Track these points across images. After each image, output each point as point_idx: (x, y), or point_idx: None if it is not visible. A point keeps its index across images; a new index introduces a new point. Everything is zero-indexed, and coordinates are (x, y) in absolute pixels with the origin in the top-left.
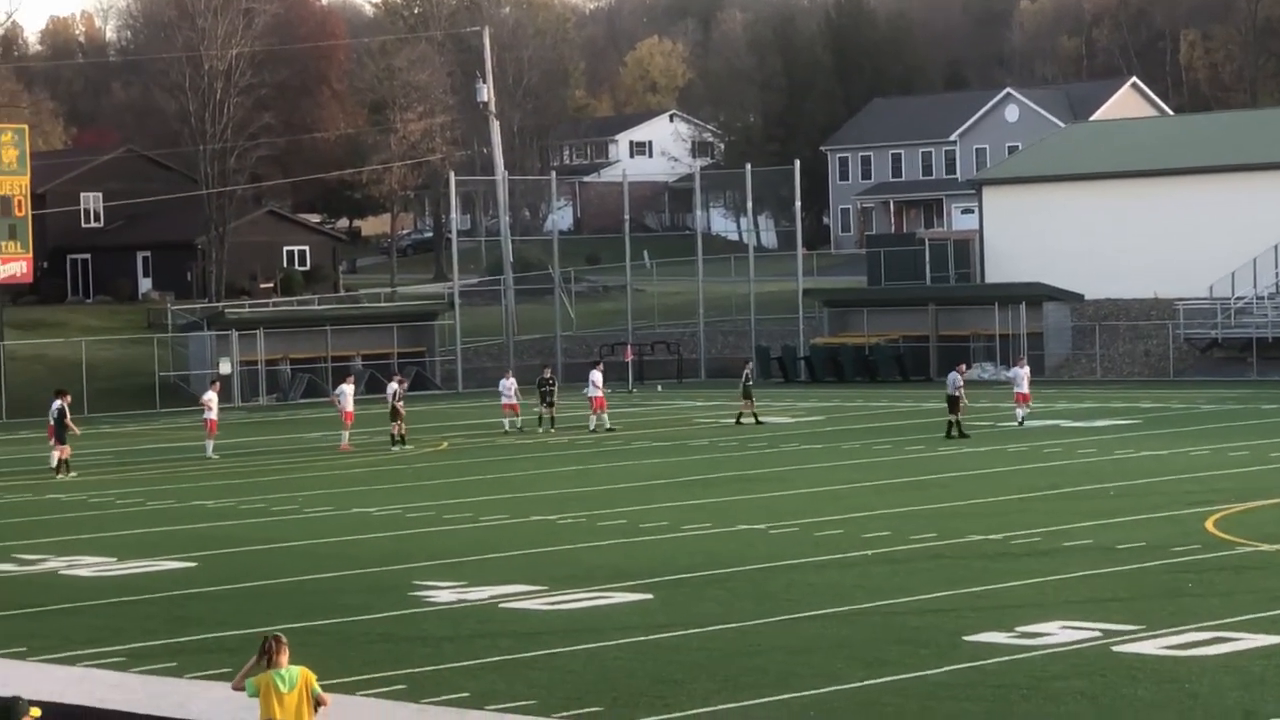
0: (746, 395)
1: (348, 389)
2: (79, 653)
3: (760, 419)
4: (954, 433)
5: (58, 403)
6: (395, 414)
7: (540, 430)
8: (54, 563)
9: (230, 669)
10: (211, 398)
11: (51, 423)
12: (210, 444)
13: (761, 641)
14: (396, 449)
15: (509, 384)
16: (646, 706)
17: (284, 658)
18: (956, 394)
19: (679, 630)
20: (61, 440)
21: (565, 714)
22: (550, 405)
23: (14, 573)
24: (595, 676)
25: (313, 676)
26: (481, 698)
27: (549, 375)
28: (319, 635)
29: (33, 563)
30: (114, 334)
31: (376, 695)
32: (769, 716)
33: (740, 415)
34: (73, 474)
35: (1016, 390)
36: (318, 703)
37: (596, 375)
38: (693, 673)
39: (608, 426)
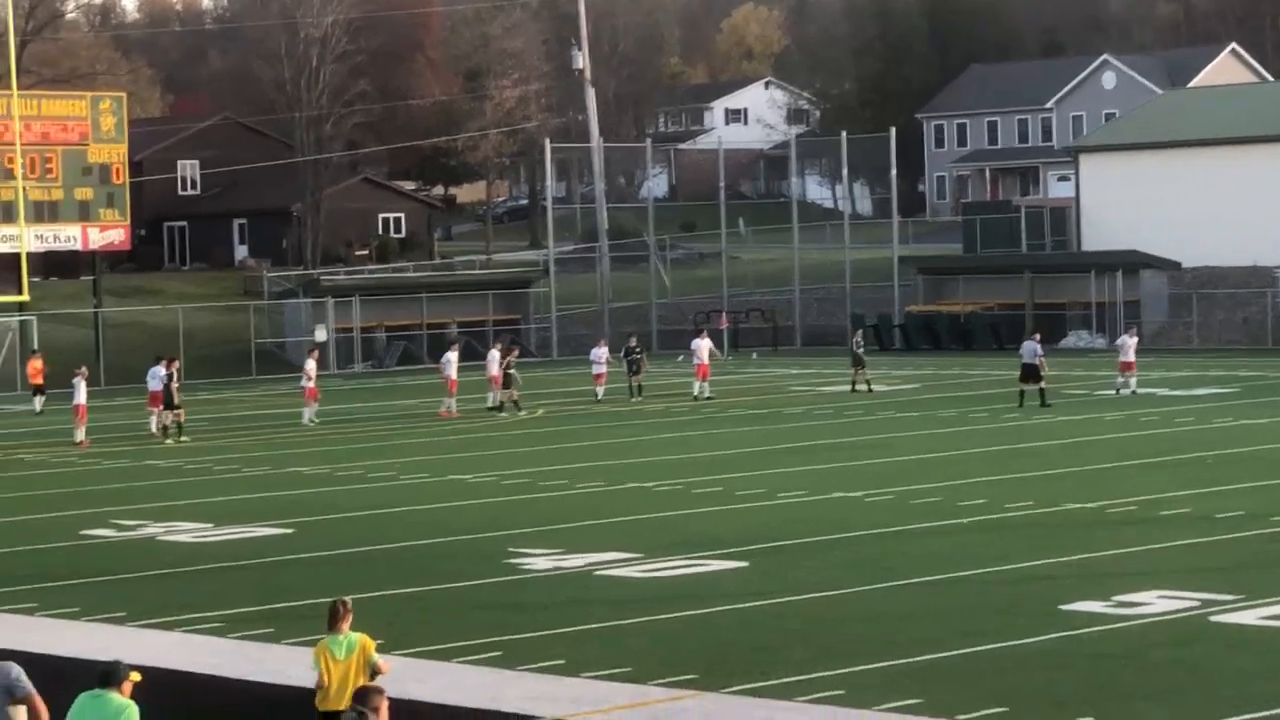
0: (858, 363)
1: (453, 356)
2: (176, 618)
3: (872, 387)
4: (1044, 400)
5: (161, 368)
6: (509, 381)
7: (633, 400)
8: (152, 528)
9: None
10: (311, 366)
11: (158, 389)
12: (309, 411)
13: (858, 609)
14: (505, 415)
15: (601, 353)
16: (742, 674)
17: (345, 624)
18: (1035, 362)
19: (775, 598)
20: (172, 405)
21: (661, 681)
22: (636, 374)
23: (112, 538)
24: (691, 644)
25: (371, 645)
26: (577, 665)
27: (635, 344)
28: (415, 602)
29: (131, 528)
30: (210, 301)
31: (472, 662)
32: (866, 684)
33: (854, 383)
34: (184, 438)
35: (1122, 359)
36: (374, 671)
37: (700, 343)
38: (789, 640)
39: (707, 395)
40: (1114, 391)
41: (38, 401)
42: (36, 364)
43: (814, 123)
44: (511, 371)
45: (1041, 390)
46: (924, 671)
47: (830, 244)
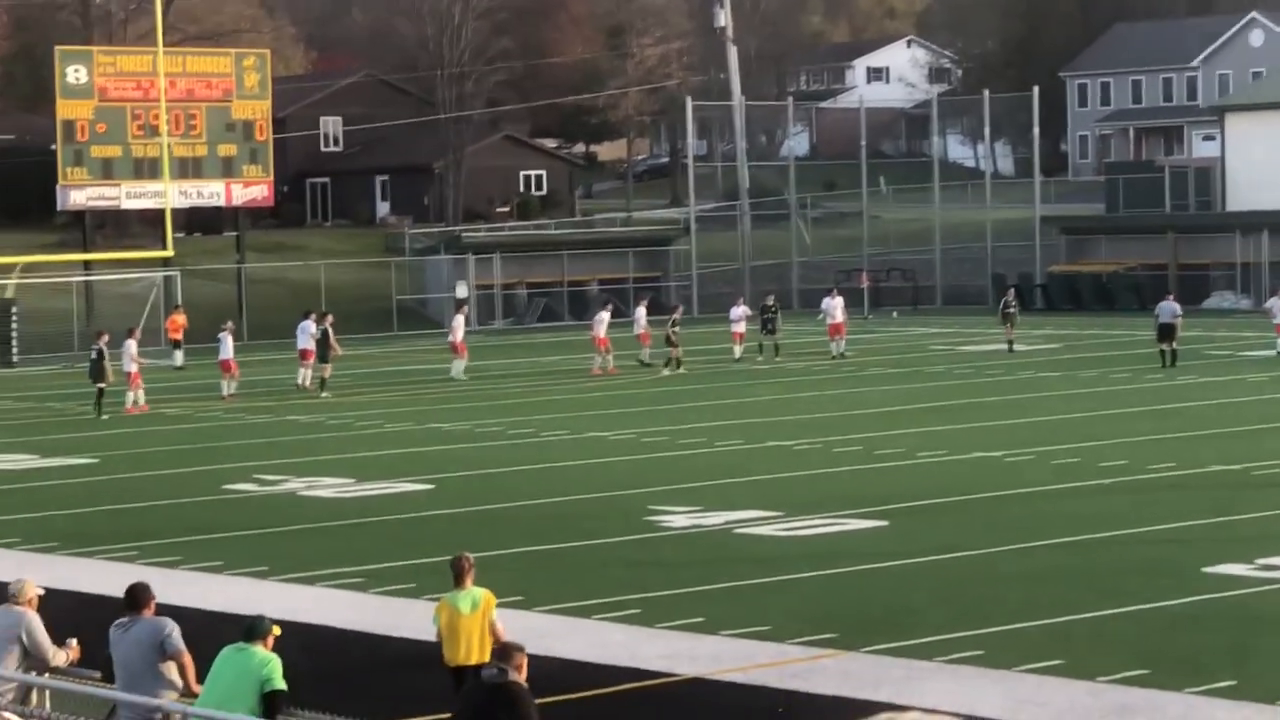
0: (1006, 320)
1: (605, 315)
2: (318, 573)
3: (1013, 347)
4: (1175, 360)
5: (310, 323)
6: (669, 340)
7: (760, 359)
8: (294, 484)
9: None
10: (459, 321)
11: (307, 344)
12: (458, 365)
13: (997, 570)
14: (667, 370)
15: (740, 311)
16: (881, 634)
17: (468, 580)
18: (1175, 322)
19: (914, 558)
20: (324, 359)
21: (799, 640)
22: (772, 333)
23: (255, 493)
24: (830, 603)
25: (493, 601)
26: (716, 623)
27: (772, 303)
28: (555, 559)
29: (273, 483)
30: (352, 257)
31: (612, 620)
32: (1005, 644)
33: (1011, 342)
34: (326, 394)
35: (1276, 321)
36: (491, 632)
37: (830, 301)
38: (927, 600)
39: (843, 352)
40: (1275, 352)
41: (178, 356)
42: (178, 319)
43: (956, 81)
44: (677, 329)
45: (1174, 351)
46: (1064, 633)
47: (971, 203)
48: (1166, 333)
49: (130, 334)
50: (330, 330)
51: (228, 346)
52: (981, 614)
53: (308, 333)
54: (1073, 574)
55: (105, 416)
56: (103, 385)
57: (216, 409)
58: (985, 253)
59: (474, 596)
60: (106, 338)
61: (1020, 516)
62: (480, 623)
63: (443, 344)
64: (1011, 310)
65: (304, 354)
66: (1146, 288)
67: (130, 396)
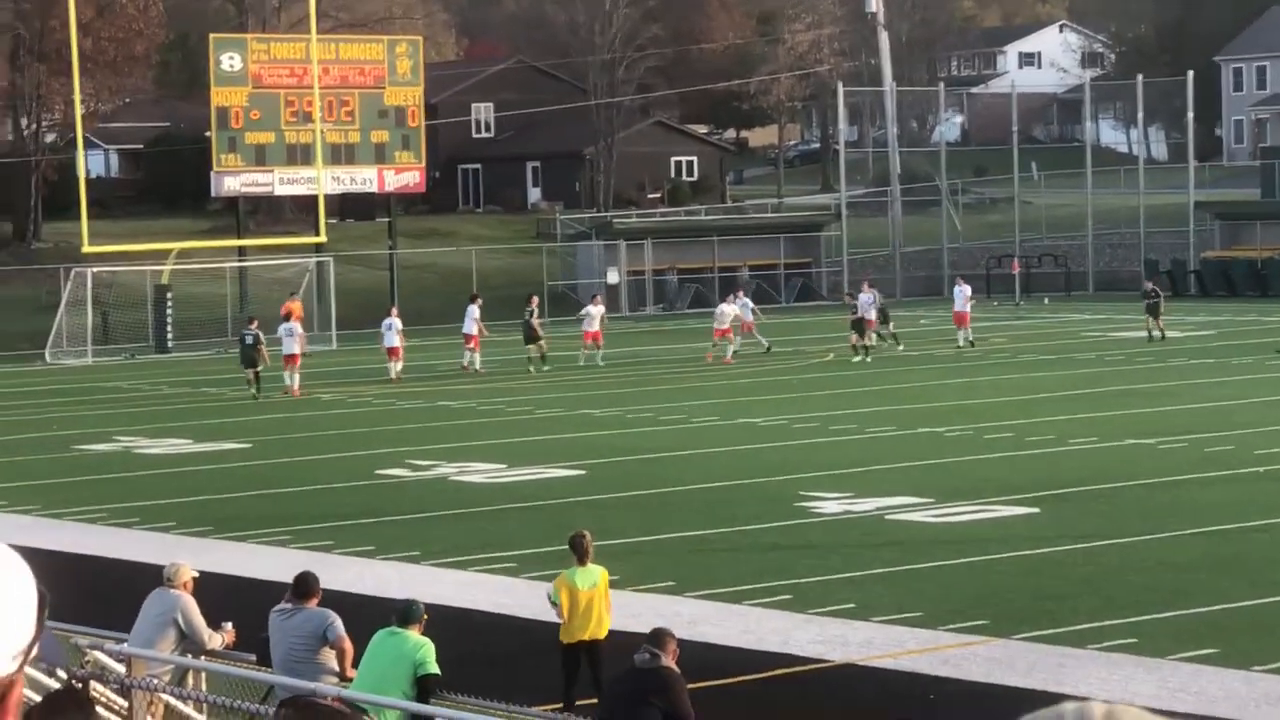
0: (1150, 312)
1: (725, 308)
2: (470, 558)
3: (1152, 334)
4: None
5: (475, 308)
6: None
7: (901, 348)
8: (446, 469)
9: (619, 577)
10: (594, 310)
11: (471, 330)
12: (590, 353)
13: (1149, 558)
14: (857, 360)
15: (868, 298)
16: (1031, 621)
17: (587, 557)
18: None
19: (1065, 545)
20: (534, 338)
21: (950, 627)
22: (886, 322)
23: (407, 478)
24: (980, 590)
25: (607, 580)
26: (867, 609)
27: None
28: (706, 545)
29: (425, 468)
30: (503, 243)
31: (763, 605)
32: (1157, 633)
33: (1151, 330)
34: (546, 367)
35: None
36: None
37: (958, 290)
38: (1078, 588)
39: (970, 341)
40: None
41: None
42: (294, 306)
43: (1109, 66)
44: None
45: None
46: (1216, 622)
47: (1124, 189)
48: None
49: (389, 312)
50: (534, 311)
51: (393, 333)
52: (1134, 602)
53: (472, 317)
54: (1226, 562)
55: (261, 397)
56: (257, 369)
57: (368, 394)
58: (1138, 239)
59: (593, 574)
60: (257, 323)
61: (1172, 504)
62: (599, 600)
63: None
64: (1155, 300)
65: (467, 338)
66: None
67: (288, 378)
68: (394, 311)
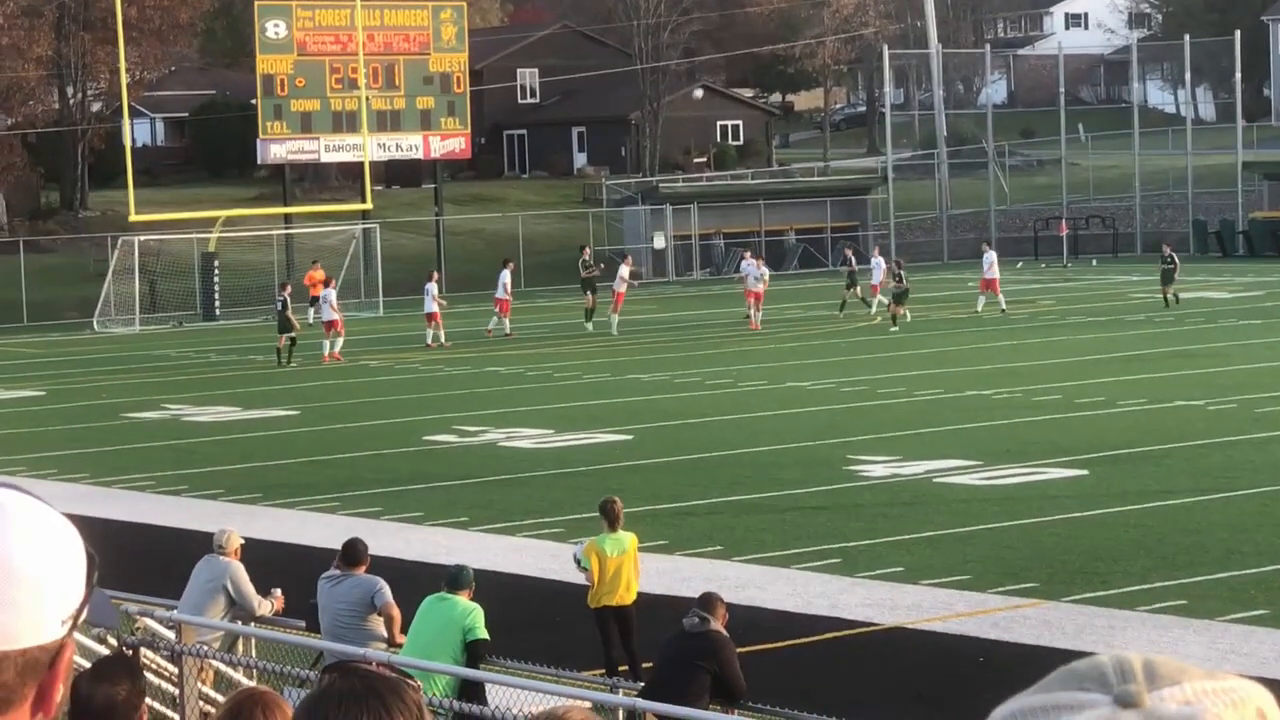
0: (1165, 279)
1: (750, 268)
2: (519, 523)
3: (1169, 299)
4: None
5: (507, 273)
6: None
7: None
8: (494, 434)
9: (666, 541)
10: (625, 271)
11: (503, 295)
12: (615, 319)
13: (1199, 519)
14: (895, 329)
15: (879, 261)
16: (1083, 582)
17: (618, 523)
18: None
19: (1115, 507)
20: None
21: (1000, 590)
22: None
23: (455, 444)
24: (1031, 552)
25: (636, 545)
26: (916, 572)
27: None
28: (754, 509)
29: (473, 434)
30: (550, 209)
31: (811, 569)
32: (1208, 594)
33: (1168, 299)
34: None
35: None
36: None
37: (988, 255)
38: (1129, 550)
39: (1002, 308)
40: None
41: (311, 313)
42: (316, 274)
43: (1156, 26)
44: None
45: None
46: (1268, 582)
47: (1172, 150)
48: None
49: (328, 284)
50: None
51: (430, 299)
52: (1184, 563)
53: (502, 283)
54: (1275, 523)
55: (293, 365)
56: (293, 335)
57: (415, 360)
58: (1186, 200)
59: (623, 540)
60: (289, 289)
61: (1222, 465)
62: (627, 566)
63: (642, 295)
64: (1170, 267)
65: (500, 303)
66: None
67: (327, 345)
68: (435, 276)
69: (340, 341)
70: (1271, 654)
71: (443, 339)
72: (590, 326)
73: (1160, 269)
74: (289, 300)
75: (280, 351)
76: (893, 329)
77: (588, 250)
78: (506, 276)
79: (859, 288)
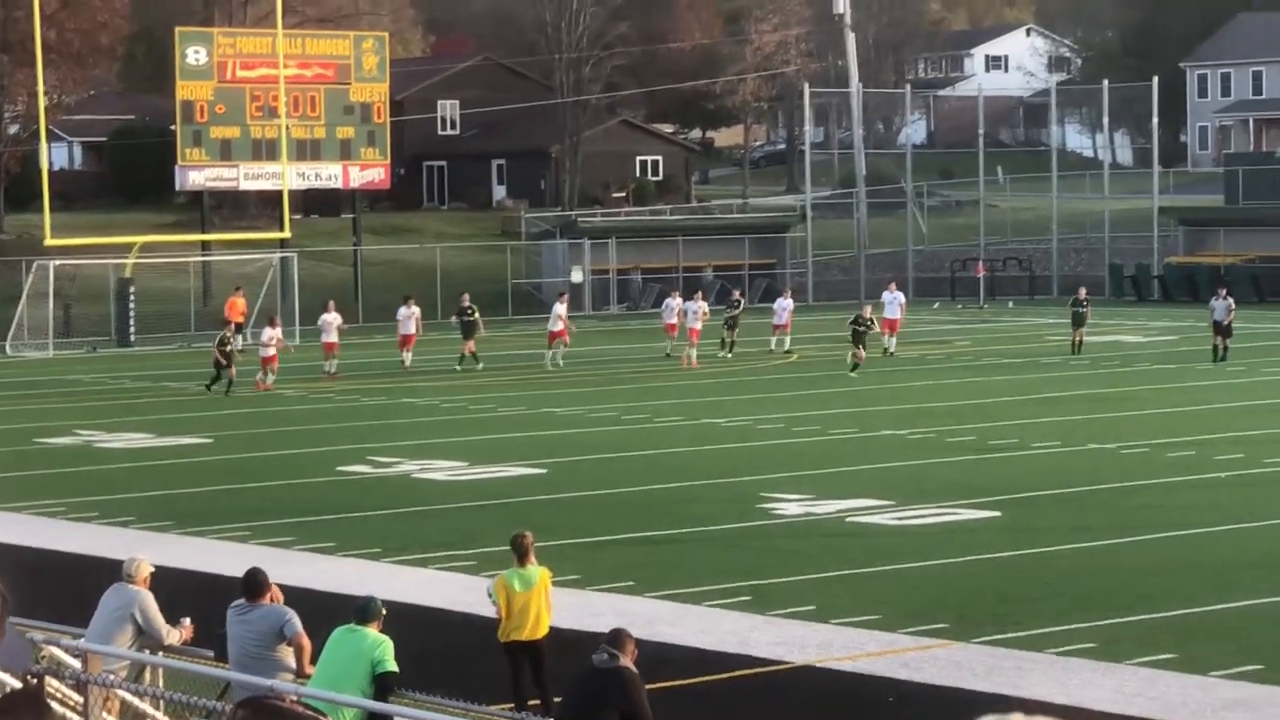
0: (1076, 321)
1: (684, 304)
2: (430, 555)
3: (1077, 344)
4: (1220, 357)
5: (404, 309)
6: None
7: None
8: (407, 466)
9: (578, 576)
10: (561, 309)
11: (410, 331)
12: (553, 352)
13: (1110, 562)
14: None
15: (786, 302)
16: (993, 624)
17: (529, 557)
18: (1229, 319)
19: (1027, 549)
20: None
21: (911, 630)
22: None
23: (369, 474)
24: (942, 593)
25: (549, 580)
26: (827, 611)
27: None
28: (667, 545)
29: (387, 465)
30: (468, 241)
31: (722, 606)
32: (1117, 637)
33: (1078, 344)
34: (480, 365)
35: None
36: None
37: (889, 295)
38: (1040, 591)
39: (891, 351)
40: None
41: (240, 341)
42: (238, 302)
43: (1075, 70)
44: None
45: (1227, 347)
46: (1177, 626)
47: (1089, 193)
48: (1220, 329)
49: (271, 322)
50: (417, 313)
51: (332, 328)
52: (1094, 606)
53: (404, 317)
54: (1187, 567)
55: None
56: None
57: (331, 390)
58: (1103, 243)
59: (531, 575)
60: (233, 325)
61: (1134, 509)
62: (538, 600)
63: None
64: (1082, 310)
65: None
66: (1265, 280)
67: (329, 365)
68: (331, 306)
69: (271, 378)
70: (1179, 698)
71: (333, 369)
72: (459, 368)
73: (1071, 311)
74: (230, 337)
75: (217, 380)
76: (724, 354)
77: (466, 297)
78: (416, 311)
79: (737, 330)
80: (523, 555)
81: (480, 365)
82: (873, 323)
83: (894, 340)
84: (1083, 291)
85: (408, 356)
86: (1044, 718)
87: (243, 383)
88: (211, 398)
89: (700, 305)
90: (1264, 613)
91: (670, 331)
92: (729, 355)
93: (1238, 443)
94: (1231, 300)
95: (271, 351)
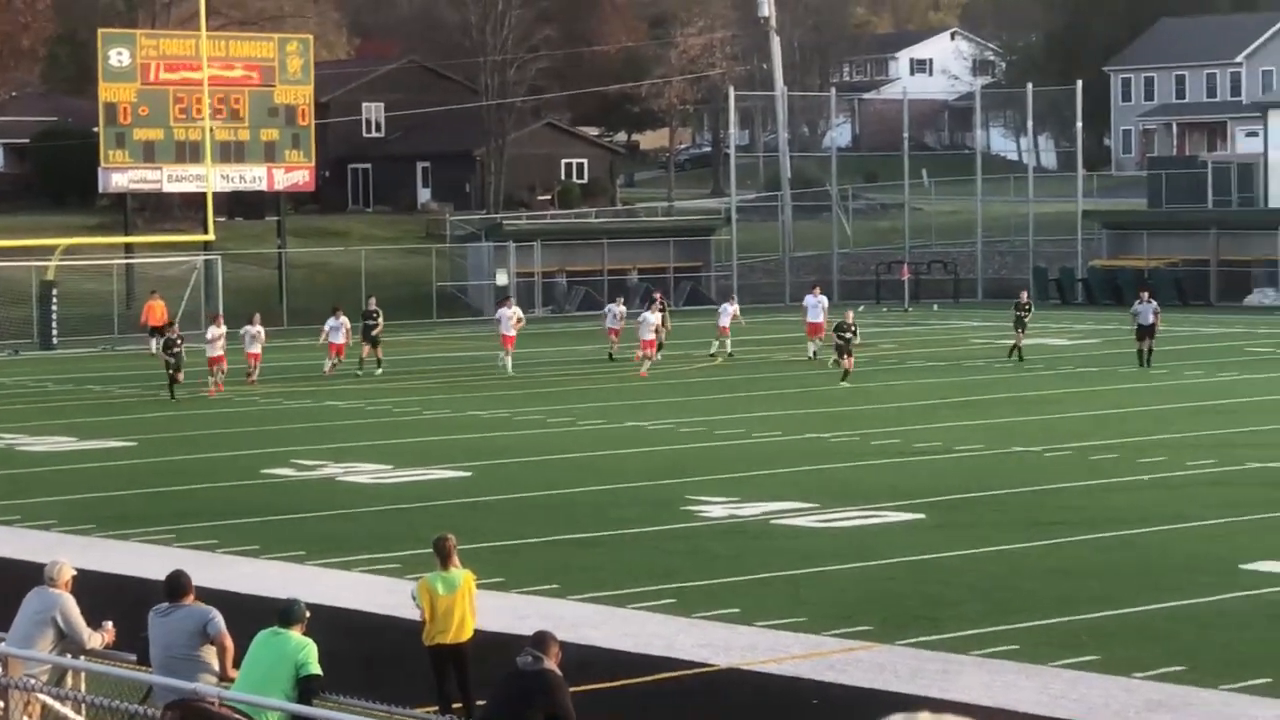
0: (1018, 325)
1: (615, 309)
2: (354, 558)
3: (1017, 350)
4: (1145, 362)
5: (333, 319)
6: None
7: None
8: (331, 469)
9: (503, 579)
10: (508, 313)
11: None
12: (507, 358)
13: (1034, 564)
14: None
15: (730, 307)
16: (917, 627)
17: (452, 560)
18: (1154, 322)
19: (951, 551)
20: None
21: (835, 632)
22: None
23: (292, 478)
24: (866, 595)
25: (473, 583)
26: (752, 614)
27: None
28: (591, 548)
29: (311, 468)
30: (393, 244)
31: (647, 609)
32: (1040, 639)
33: (1018, 348)
34: (379, 370)
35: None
36: None
37: (811, 299)
38: (964, 594)
39: (815, 354)
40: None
41: (154, 344)
42: (156, 305)
43: (999, 74)
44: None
45: (1151, 350)
46: (1101, 628)
47: (1013, 197)
48: (1145, 332)
49: (214, 320)
50: (346, 323)
51: (251, 338)
52: (1018, 608)
53: (332, 327)
54: (1110, 569)
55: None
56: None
57: (255, 393)
58: (1027, 246)
59: (455, 578)
60: (177, 327)
61: (1058, 511)
62: (462, 603)
63: (483, 332)
64: (1024, 314)
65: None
66: (1188, 283)
67: (211, 380)
68: (256, 319)
69: (221, 378)
70: (1100, 699)
71: (254, 375)
72: (360, 373)
73: (1015, 315)
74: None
75: (170, 385)
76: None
77: (373, 300)
78: (345, 322)
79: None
80: (445, 558)
81: (379, 370)
82: (855, 330)
83: (818, 344)
84: (1024, 295)
85: (329, 364)
86: (952, 716)
87: (187, 384)
88: (136, 401)
89: (621, 309)
90: (1186, 614)
91: (611, 337)
92: (657, 358)
93: (1161, 445)
94: (1155, 303)
95: (219, 351)
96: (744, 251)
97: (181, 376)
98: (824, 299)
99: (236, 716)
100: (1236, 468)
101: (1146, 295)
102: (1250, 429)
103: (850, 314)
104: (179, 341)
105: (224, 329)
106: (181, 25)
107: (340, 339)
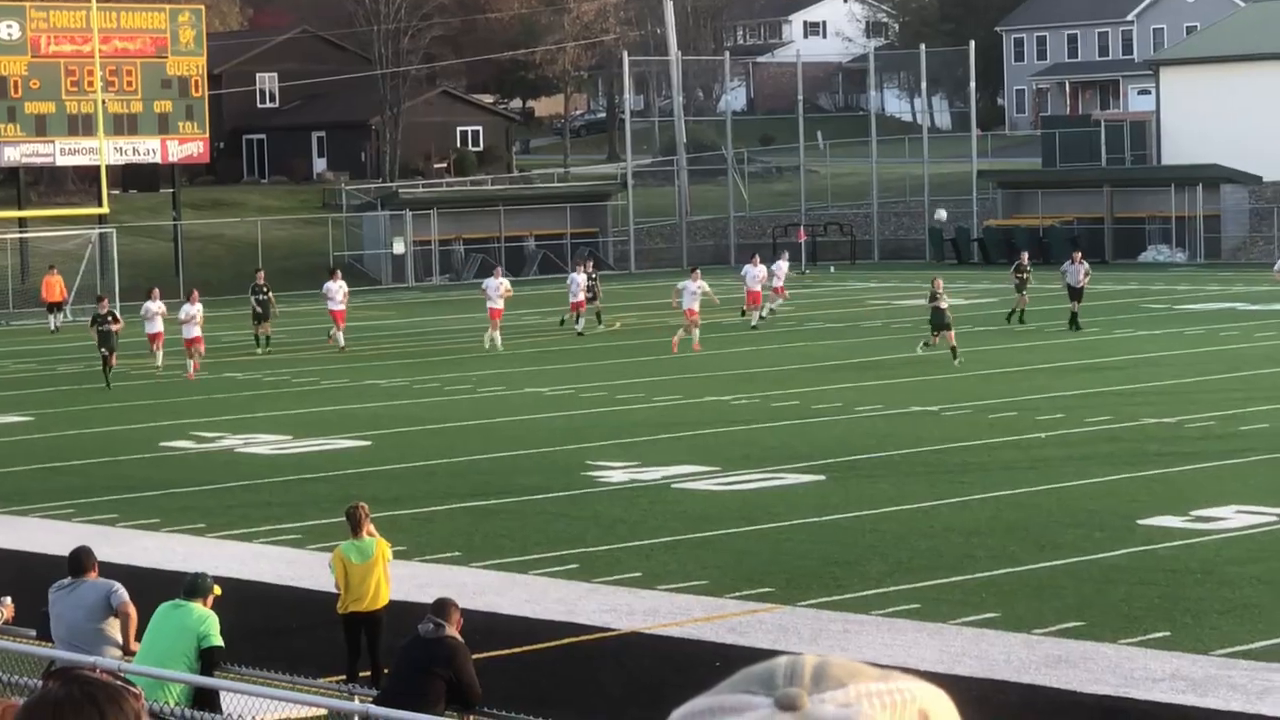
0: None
1: (493, 281)
2: (255, 529)
3: (1022, 318)
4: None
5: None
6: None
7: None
8: (231, 440)
9: (405, 548)
10: (494, 283)
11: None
12: (496, 335)
13: (934, 523)
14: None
15: (758, 270)
16: (820, 587)
17: (364, 529)
18: (1080, 285)
19: (852, 512)
20: (266, 317)
21: (738, 595)
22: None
23: (192, 450)
24: (768, 557)
25: (388, 551)
26: (654, 578)
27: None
28: (492, 515)
29: (210, 440)
30: (289, 214)
31: (549, 575)
32: (941, 597)
33: (1020, 312)
34: (268, 347)
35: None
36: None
37: (750, 269)
38: (865, 554)
39: (761, 317)
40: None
41: (52, 320)
42: (54, 281)
43: (893, 36)
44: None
45: (1077, 312)
46: (1000, 585)
47: (909, 158)
48: (1075, 294)
49: (150, 295)
50: (267, 288)
51: (156, 317)
52: (918, 567)
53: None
54: (1009, 528)
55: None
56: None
57: (151, 366)
58: (922, 207)
59: (368, 546)
60: (107, 302)
61: (956, 470)
62: (375, 572)
63: (378, 301)
64: (1025, 275)
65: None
66: (1083, 241)
67: (159, 356)
68: (155, 294)
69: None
70: (1001, 656)
71: (159, 360)
72: (261, 352)
73: (1014, 279)
74: (107, 315)
75: (105, 368)
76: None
77: (261, 274)
78: (188, 308)
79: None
80: (356, 526)
81: (265, 350)
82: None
83: (756, 312)
84: (1024, 257)
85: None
86: (840, 659)
87: (93, 364)
88: (31, 375)
89: (582, 278)
90: (1084, 571)
91: (577, 309)
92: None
93: (1057, 403)
94: (1086, 265)
95: (196, 332)
96: (640, 216)
97: (115, 360)
98: (763, 268)
99: (118, 682)
100: (1132, 424)
101: (1079, 256)
102: (1145, 385)
103: (938, 280)
104: (110, 320)
105: (199, 306)
106: None
107: (158, 328)
